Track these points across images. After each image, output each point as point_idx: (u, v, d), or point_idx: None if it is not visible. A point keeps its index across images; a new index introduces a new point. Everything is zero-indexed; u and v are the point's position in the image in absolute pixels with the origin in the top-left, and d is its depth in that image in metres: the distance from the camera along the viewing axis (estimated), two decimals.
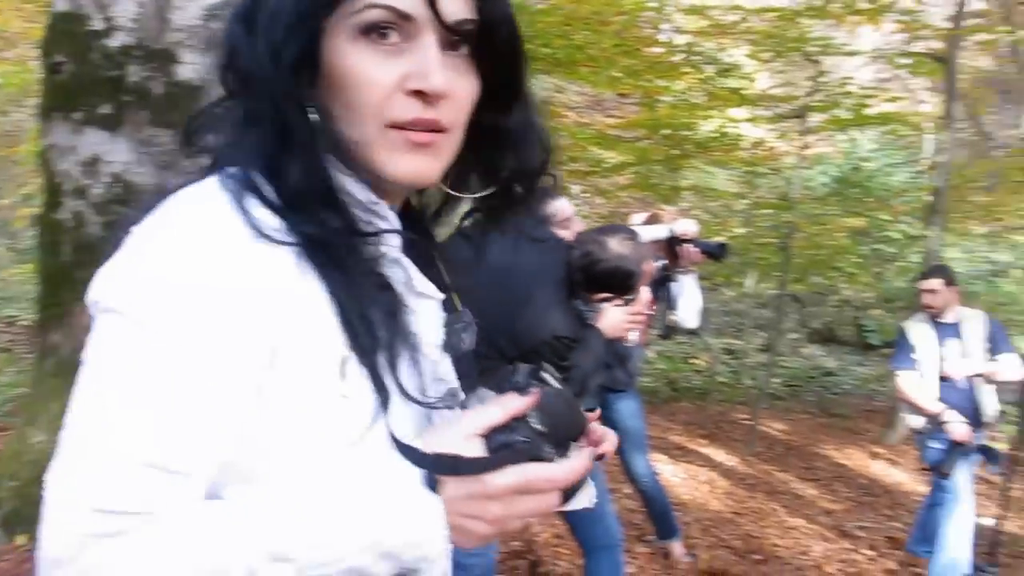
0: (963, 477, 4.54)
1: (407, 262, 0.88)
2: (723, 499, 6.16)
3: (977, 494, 4.58)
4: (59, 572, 0.70)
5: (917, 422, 4.72)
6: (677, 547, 4.47)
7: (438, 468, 0.76)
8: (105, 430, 0.71)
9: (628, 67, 8.65)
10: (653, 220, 4.19)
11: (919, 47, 10.42)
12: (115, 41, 2.87)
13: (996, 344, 4.83)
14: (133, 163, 2.90)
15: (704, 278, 11.81)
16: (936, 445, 4.59)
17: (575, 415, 0.85)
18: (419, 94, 0.78)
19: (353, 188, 0.83)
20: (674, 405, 10.75)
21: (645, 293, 2.88)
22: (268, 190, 0.79)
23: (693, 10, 8.62)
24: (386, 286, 0.84)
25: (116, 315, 0.73)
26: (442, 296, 0.93)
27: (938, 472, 4.52)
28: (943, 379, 4.71)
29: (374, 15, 0.77)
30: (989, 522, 4.90)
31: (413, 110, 0.79)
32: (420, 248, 0.93)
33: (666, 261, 4.08)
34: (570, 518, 3.11)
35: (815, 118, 9.01)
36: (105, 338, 0.73)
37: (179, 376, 0.71)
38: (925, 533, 4.98)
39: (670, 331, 4.35)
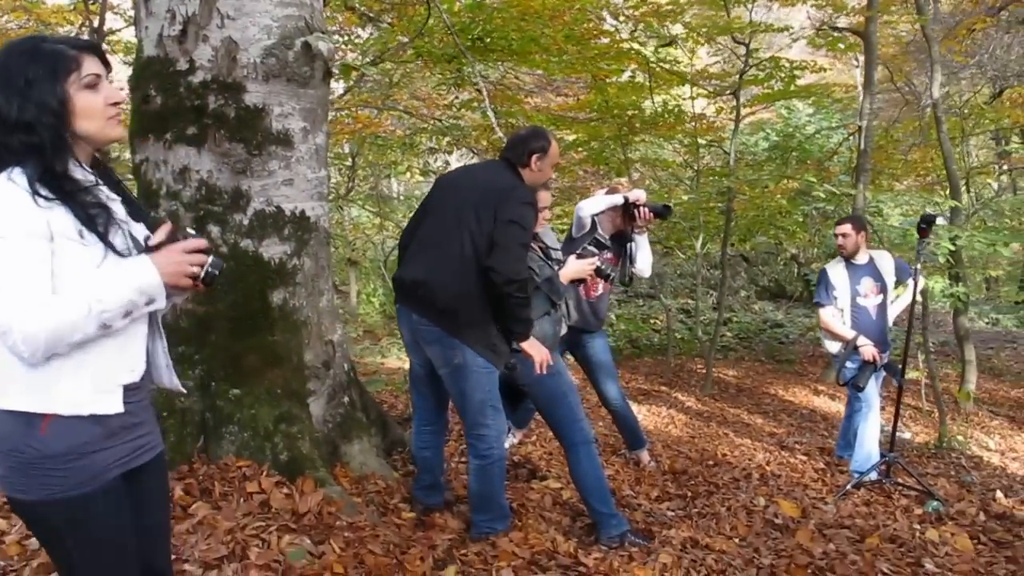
0: (872, 389, 5.59)
1: (103, 187, 1.90)
2: (682, 428, 7.18)
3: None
4: (11, 335, 1.69)
5: (834, 347, 5.73)
6: (645, 455, 5.47)
7: (151, 250, 1.87)
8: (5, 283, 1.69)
9: (579, 54, 9.55)
10: (612, 191, 5.17)
11: (842, 23, 11.46)
12: (197, 78, 3.75)
13: (901, 277, 5.86)
14: (215, 170, 3.79)
15: (657, 242, 12.81)
16: (851, 365, 5.60)
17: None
18: (115, 104, 1.85)
19: (67, 163, 1.83)
20: (636, 361, 11.77)
21: None
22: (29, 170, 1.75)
23: (636, 4, 9.53)
24: (95, 197, 1.85)
25: None
26: (119, 197, 1.96)
27: (854, 386, 5.53)
28: (856, 310, 5.73)
29: (89, 79, 1.81)
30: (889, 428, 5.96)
31: (114, 109, 1.86)
32: (110, 179, 1.97)
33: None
34: (551, 422, 4.08)
35: (748, 92, 9.99)
36: None
37: (15, 252, 1.69)
38: (847, 439, 6.03)
39: (631, 280, 5.36)
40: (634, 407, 7.72)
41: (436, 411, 4.05)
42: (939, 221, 5.42)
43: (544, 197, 4.09)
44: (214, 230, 3.83)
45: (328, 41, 4.11)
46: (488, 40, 9.47)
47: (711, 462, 5.80)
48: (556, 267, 4.08)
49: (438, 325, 3.58)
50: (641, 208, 4.95)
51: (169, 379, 2.07)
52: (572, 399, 3.99)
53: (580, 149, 11.99)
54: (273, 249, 3.94)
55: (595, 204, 5.01)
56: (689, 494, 4.88)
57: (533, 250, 3.91)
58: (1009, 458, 6.87)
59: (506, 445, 5.33)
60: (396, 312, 3.90)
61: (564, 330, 4.19)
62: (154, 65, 3.83)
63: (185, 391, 2.28)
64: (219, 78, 3.76)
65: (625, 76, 10.82)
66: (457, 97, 12.00)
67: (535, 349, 3.73)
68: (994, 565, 4.07)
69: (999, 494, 5.35)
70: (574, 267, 4.20)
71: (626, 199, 4.96)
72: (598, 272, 4.30)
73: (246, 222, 3.87)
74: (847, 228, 5.78)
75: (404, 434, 4.91)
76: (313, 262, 4.14)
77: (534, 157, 3.78)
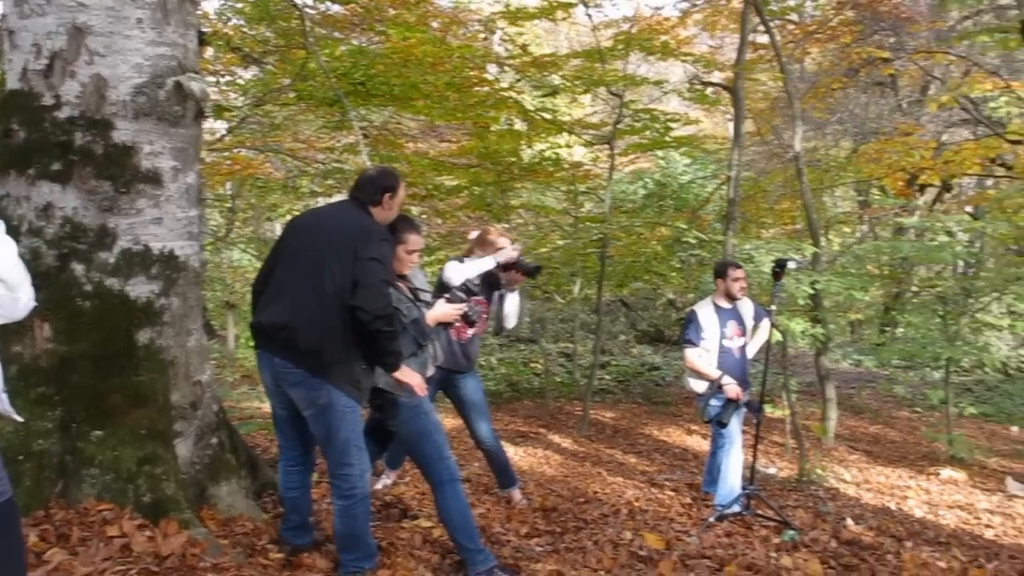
0: (735, 426, 5.83)
1: None
2: (556, 468, 7.31)
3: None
4: None
5: (699, 386, 5.96)
6: (516, 493, 5.57)
7: None
8: None
9: (459, 102, 9.76)
10: (484, 235, 5.29)
11: (715, 78, 12.04)
12: (63, 113, 3.72)
13: (758, 320, 6.18)
14: (80, 208, 3.75)
15: (536, 287, 13.03)
16: (715, 403, 5.84)
17: None
18: None
19: None
20: (516, 403, 11.89)
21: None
22: None
23: (514, 56, 9.81)
24: None
25: None
26: None
27: (719, 423, 5.77)
28: (722, 351, 5.99)
29: None
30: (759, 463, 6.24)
31: None
32: None
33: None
34: (418, 461, 4.17)
35: (622, 142, 10.36)
36: None
37: None
38: (712, 475, 6.26)
39: (501, 329, 5.49)
40: (511, 448, 7.84)
41: (302, 452, 4.06)
42: (791, 266, 5.77)
43: (416, 240, 4.16)
44: (78, 268, 3.77)
45: (201, 82, 4.14)
46: (370, 85, 9.57)
47: (582, 499, 5.94)
48: (425, 309, 4.17)
49: (302, 366, 3.62)
50: (512, 270, 5.10)
51: (3, 405, 2.07)
52: (438, 438, 4.08)
53: (462, 194, 12.17)
54: (140, 288, 3.90)
55: (464, 271, 4.99)
56: (558, 530, 4.99)
57: (402, 291, 3.99)
58: (864, 489, 7.24)
59: (379, 485, 5.37)
60: (257, 358, 3.91)
61: (432, 371, 4.27)
62: (18, 98, 3.78)
63: (20, 418, 2.26)
64: (87, 114, 3.74)
65: (505, 124, 11.08)
66: (339, 141, 12.05)
67: (408, 376, 3.83)
68: None
69: (849, 521, 5.66)
70: (441, 310, 4.29)
71: (497, 263, 5.06)
72: (464, 318, 4.40)
73: (112, 260, 3.82)
74: (744, 273, 6.09)
75: (275, 476, 4.87)
76: (182, 301, 4.11)
77: (387, 195, 3.87)
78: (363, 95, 9.74)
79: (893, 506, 6.60)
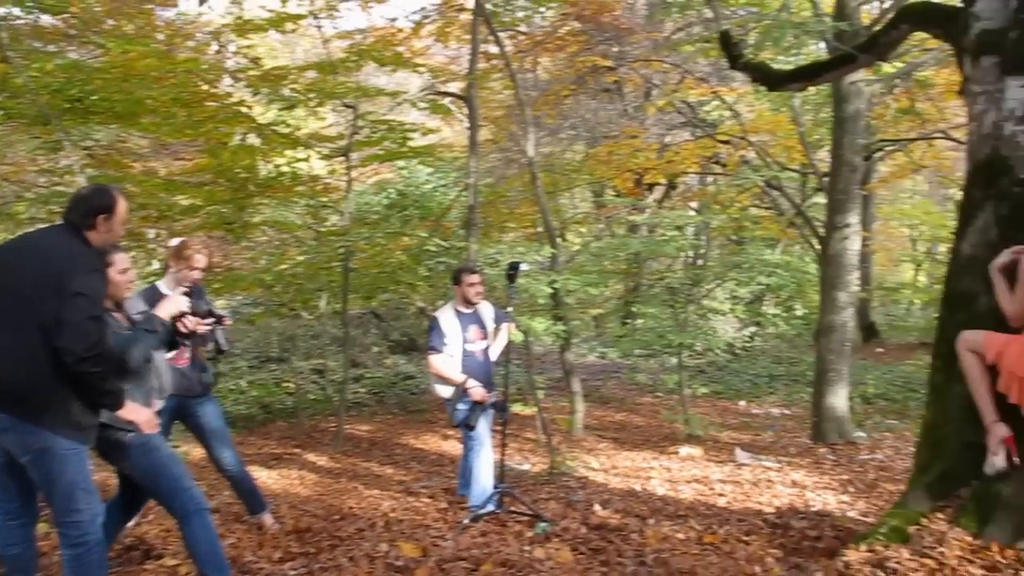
0: (483, 427, 5.96)
1: None
2: (311, 487, 7.18)
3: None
4: None
5: (446, 392, 6.03)
6: (268, 518, 5.39)
7: None
8: None
9: (188, 118, 9.35)
10: (182, 248, 5.02)
11: (452, 88, 12.26)
12: None
13: (499, 322, 6.34)
14: None
15: (282, 305, 12.68)
16: (462, 407, 5.93)
17: None
18: None
19: None
20: (270, 426, 11.55)
21: None
22: None
23: (244, 69, 9.53)
24: None
25: None
26: None
27: (467, 426, 5.87)
28: (466, 355, 6.08)
29: None
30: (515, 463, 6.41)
31: None
32: None
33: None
34: (158, 498, 3.93)
35: (360, 154, 10.34)
36: None
37: None
38: (466, 478, 6.36)
39: (220, 352, 5.12)
40: (264, 472, 7.62)
41: (21, 503, 3.70)
42: (523, 267, 5.98)
43: (123, 258, 3.87)
44: None
45: None
46: (88, 102, 8.97)
47: (337, 516, 5.86)
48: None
49: (11, 411, 3.32)
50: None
51: None
52: (175, 470, 3.87)
53: (199, 214, 11.63)
54: None
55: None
56: (312, 550, 4.89)
57: (120, 323, 3.75)
58: (611, 474, 7.63)
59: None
60: None
61: (159, 404, 4.04)
62: None
63: None
64: None
65: (238, 139, 10.73)
66: (58, 162, 11.21)
67: (135, 413, 3.61)
68: (590, 570, 4.53)
69: (597, 507, 5.95)
70: (174, 302, 4.00)
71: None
72: (186, 334, 4.12)
73: None
74: (480, 278, 6.17)
75: None
76: None
77: (100, 218, 3.58)
78: (81, 112, 9.11)
79: (638, 487, 6.99)
